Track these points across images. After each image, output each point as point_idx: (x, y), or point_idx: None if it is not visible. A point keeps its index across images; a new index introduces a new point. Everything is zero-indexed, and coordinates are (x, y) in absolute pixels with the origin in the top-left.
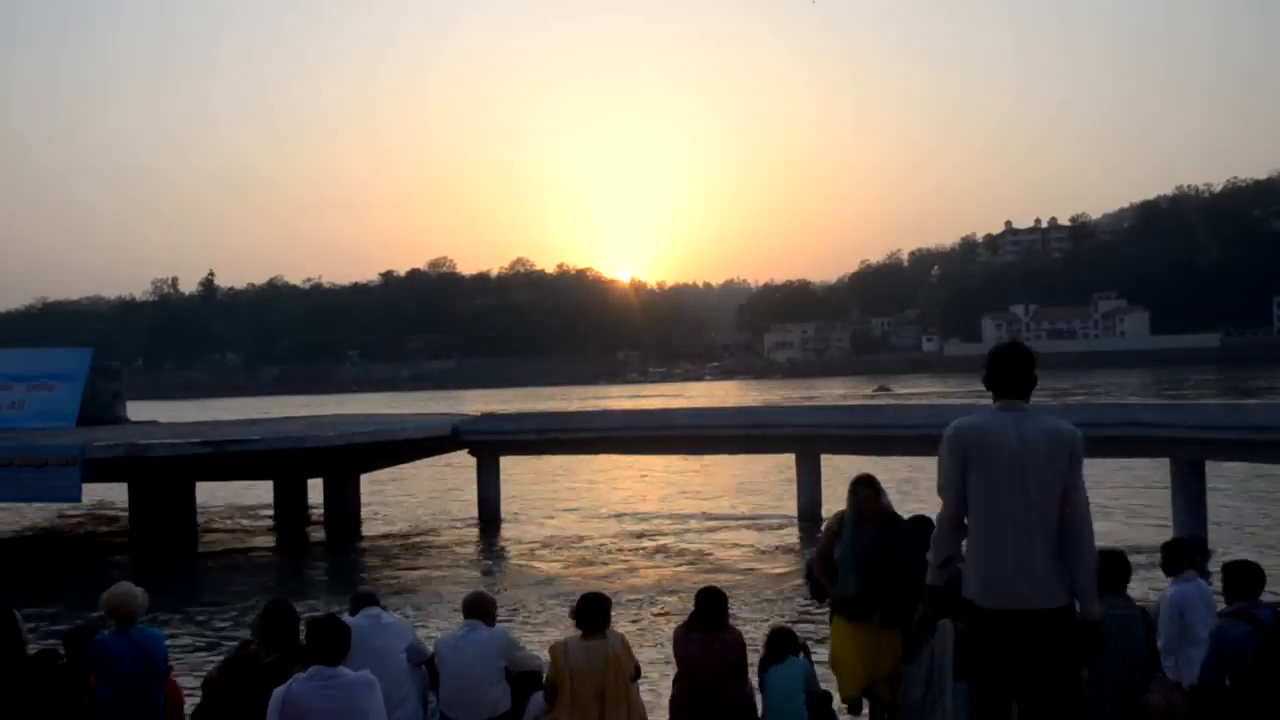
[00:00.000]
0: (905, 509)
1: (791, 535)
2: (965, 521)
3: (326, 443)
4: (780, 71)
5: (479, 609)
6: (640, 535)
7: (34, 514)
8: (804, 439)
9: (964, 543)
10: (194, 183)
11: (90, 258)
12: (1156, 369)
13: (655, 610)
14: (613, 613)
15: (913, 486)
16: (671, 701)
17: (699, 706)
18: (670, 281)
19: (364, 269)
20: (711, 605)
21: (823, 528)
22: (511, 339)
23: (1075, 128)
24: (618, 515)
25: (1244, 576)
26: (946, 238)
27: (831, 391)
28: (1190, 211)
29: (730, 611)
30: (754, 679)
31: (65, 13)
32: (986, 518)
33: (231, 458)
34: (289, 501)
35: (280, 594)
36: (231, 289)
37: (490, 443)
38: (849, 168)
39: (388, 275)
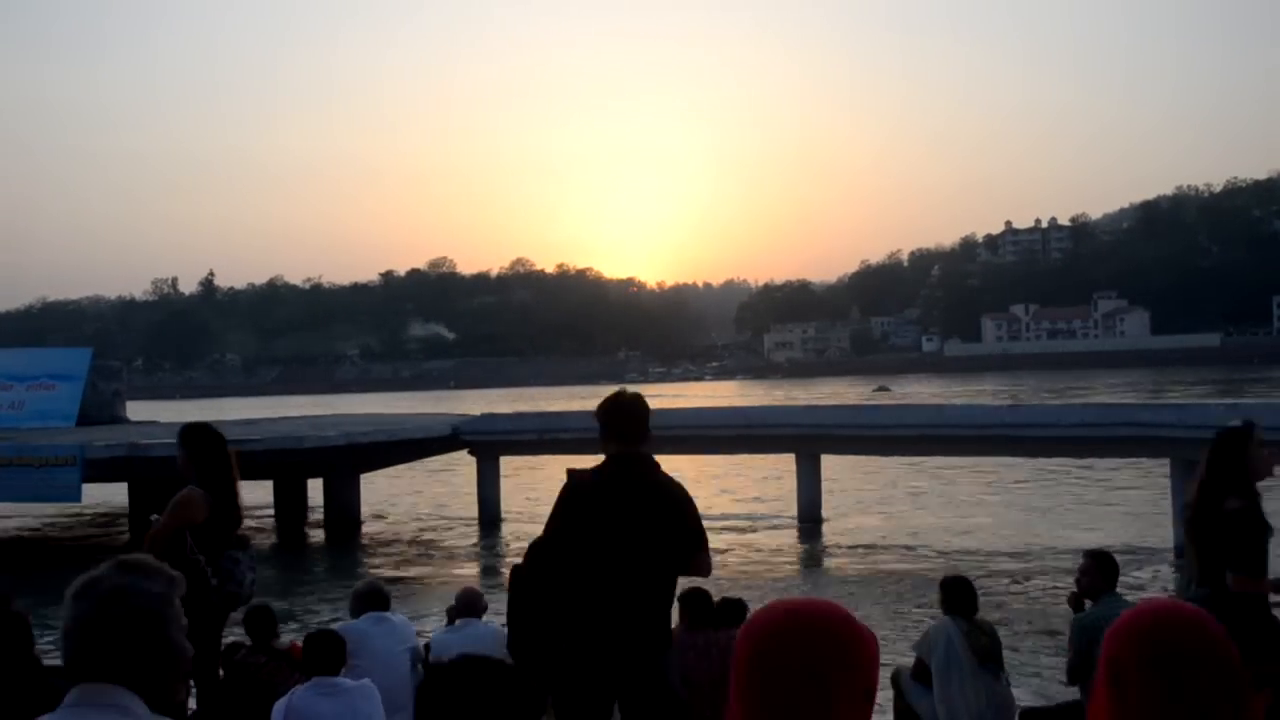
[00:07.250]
0: (907, 507)
1: (791, 536)
2: None
3: (327, 443)
4: (780, 72)
5: (471, 606)
6: None
7: (33, 514)
8: (804, 439)
9: None
10: (195, 182)
11: (90, 258)
12: (1156, 369)
13: None
14: None
15: (912, 486)
16: None
17: (700, 715)
18: (670, 281)
19: (364, 269)
20: (696, 605)
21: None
22: (511, 339)
23: (1075, 128)
24: None
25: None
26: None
27: (831, 391)
28: (1190, 211)
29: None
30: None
31: (66, 15)
32: None
33: None
34: (289, 501)
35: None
36: (231, 289)
37: (490, 443)
38: (849, 168)
39: (388, 275)
